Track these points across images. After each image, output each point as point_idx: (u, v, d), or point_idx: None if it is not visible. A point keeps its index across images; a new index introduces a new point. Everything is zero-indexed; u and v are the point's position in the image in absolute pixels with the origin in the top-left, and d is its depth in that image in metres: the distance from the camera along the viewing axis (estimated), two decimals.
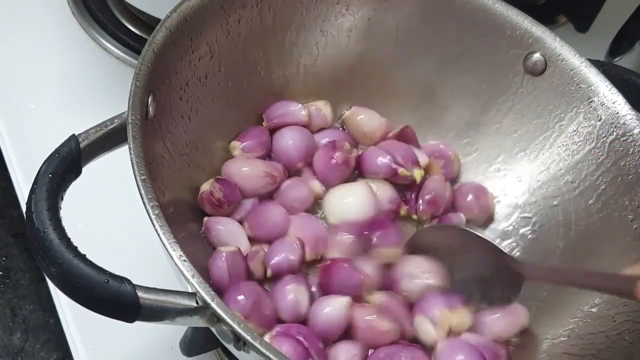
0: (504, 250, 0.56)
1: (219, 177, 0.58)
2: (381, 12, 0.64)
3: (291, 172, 0.63)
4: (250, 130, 0.63)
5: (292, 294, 0.53)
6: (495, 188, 0.64)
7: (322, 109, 0.65)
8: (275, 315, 0.52)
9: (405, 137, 0.65)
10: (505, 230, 0.63)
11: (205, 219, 0.57)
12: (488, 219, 0.64)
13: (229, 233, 0.57)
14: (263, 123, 0.64)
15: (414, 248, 0.58)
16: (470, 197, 0.63)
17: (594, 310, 0.53)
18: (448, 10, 0.62)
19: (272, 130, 0.64)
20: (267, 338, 0.50)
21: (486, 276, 0.55)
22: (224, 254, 0.53)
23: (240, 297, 0.50)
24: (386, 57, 0.65)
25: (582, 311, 0.54)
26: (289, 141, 0.62)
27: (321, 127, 0.66)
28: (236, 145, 0.61)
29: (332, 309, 0.53)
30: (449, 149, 0.65)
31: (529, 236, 0.61)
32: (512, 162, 0.63)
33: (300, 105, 0.64)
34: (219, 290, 0.52)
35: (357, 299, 0.54)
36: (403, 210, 0.62)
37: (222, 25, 0.58)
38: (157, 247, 0.42)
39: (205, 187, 0.57)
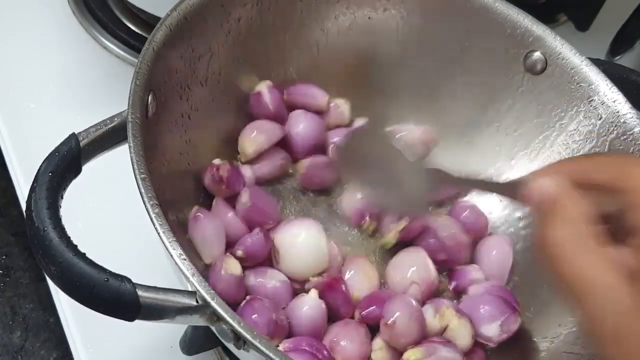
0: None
1: (236, 162, 0.59)
2: (381, 11, 0.64)
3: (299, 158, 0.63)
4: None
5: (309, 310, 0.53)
6: None
7: (340, 106, 0.66)
8: (287, 322, 0.52)
9: None
10: (505, 230, 0.63)
11: (195, 208, 0.55)
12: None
13: (210, 233, 0.54)
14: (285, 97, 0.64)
15: (343, 153, 0.58)
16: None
17: None
18: (448, 9, 0.62)
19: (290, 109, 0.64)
20: None
21: (403, 184, 0.56)
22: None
23: (259, 317, 0.49)
24: (386, 56, 0.65)
25: None
26: (300, 125, 0.63)
27: (337, 124, 0.66)
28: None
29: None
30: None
31: (530, 236, 0.61)
32: (513, 161, 0.63)
33: (325, 93, 0.65)
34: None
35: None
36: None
37: (223, 24, 0.58)
38: (157, 245, 0.41)
39: (217, 161, 0.57)
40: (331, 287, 0.54)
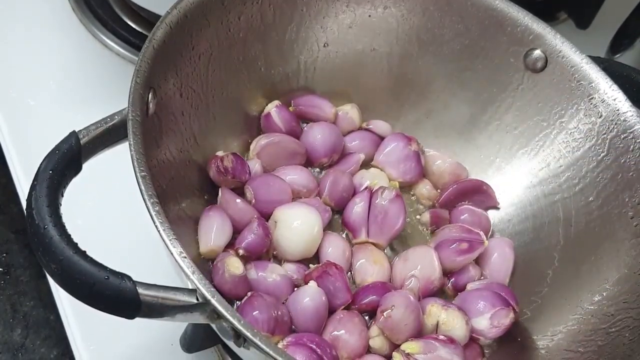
0: None
1: (237, 153, 0.59)
2: (381, 9, 0.64)
3: (315, 165, 0.64)
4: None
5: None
6: (495, 185, 0.64)
7: (348, 112, 0.66)
8: (290, 318, 0.52)
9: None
10: (505, 227, 0.63)
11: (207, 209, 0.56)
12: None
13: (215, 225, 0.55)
14: (290, 107, 0.65)
15: None
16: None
17: (594, 307, 0.53)
18: (448, 7, 0.62)
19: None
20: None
21: None
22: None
23: (260, 314, 0.49)
24: (386, 54, 0.65)
25: (582, 308, 0.54)
26: (317, 135, 0.63)
27: (349, 130, 0.66)
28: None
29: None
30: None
31: (529, 233, 0.61)
32: (512, 159, 0.63)
33: (331, 104, 0.65)
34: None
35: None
36: None
37: (223, 21, 0.58)
38: (158, 243, 0.41)
39: (220, 153, 0.58)
40: (327, 273, 0.54)
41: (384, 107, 0.67)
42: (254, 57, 0.62)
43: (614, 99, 0.56)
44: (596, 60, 0.58)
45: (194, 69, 0.56)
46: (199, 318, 0.42)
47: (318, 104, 0.65)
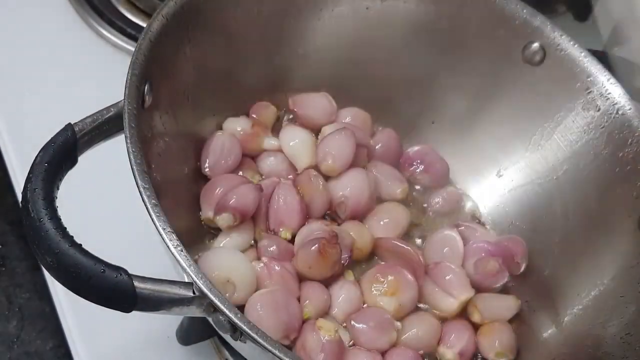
0: None
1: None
2: (379, 1, 0.63)
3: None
4: None
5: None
6: (492, 180, 0.64)
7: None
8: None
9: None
10: (503, 221, 0.63)
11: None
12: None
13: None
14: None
15: None
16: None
17: (591, 302, 0.54)
18: None
19: None
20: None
21: None
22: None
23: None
24: (383, 46, 0.65)
25: (580, 302, 0.55)
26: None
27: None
28: None
29: None
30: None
31: (526, 228, 0.61)
32: (510, 153, 0.63)
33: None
34: None
35: None
36: None
37: (219, 14, 0.57)
38: (154, 236, 0.41)
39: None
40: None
41: (382, 102, 0.66)
42: (251, 49, 0.61)
43: (612, 93, 0.56)
44: (594, 53, 0.58)
45: (190, 61, 0.56)
46: (195, 311, 0.42)
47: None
